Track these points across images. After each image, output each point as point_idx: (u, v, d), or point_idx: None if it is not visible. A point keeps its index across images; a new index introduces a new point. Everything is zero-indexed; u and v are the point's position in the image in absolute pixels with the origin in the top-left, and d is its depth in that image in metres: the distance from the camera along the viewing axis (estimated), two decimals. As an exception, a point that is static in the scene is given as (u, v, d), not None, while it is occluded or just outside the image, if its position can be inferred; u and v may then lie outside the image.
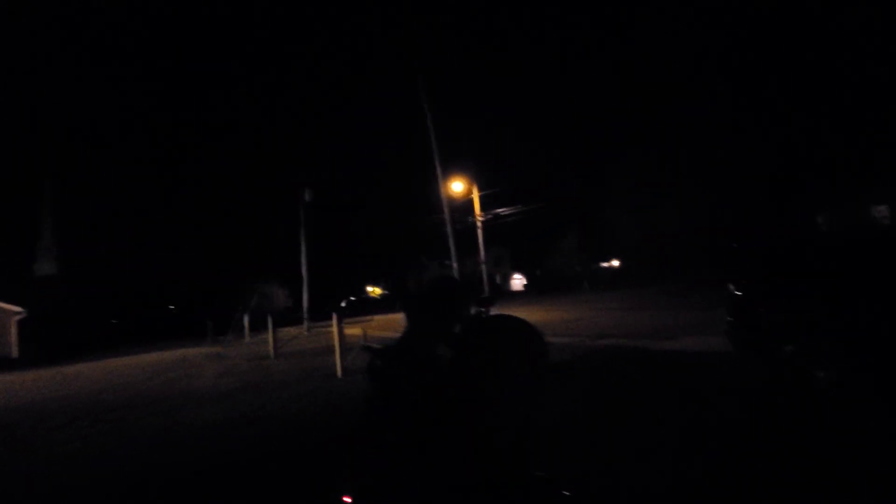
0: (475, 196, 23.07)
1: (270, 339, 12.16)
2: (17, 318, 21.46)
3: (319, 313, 25.13)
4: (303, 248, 23.82)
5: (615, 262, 39.93)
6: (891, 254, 3.90)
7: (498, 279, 46.88)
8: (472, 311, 1.79)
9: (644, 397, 4.50)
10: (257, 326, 22.01)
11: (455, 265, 14.45)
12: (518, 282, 50.75)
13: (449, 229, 14.93)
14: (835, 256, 4.27)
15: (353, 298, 49.07)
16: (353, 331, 12.37)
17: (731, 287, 4.84)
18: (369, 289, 56.81)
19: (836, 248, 4.41)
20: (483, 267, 21.09)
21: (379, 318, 23.64)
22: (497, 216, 24.75)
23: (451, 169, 19.01)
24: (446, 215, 15.13)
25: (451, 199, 17.91)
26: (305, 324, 22.66)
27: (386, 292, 53.49)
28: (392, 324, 18.51)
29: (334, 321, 8.23)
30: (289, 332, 20.36)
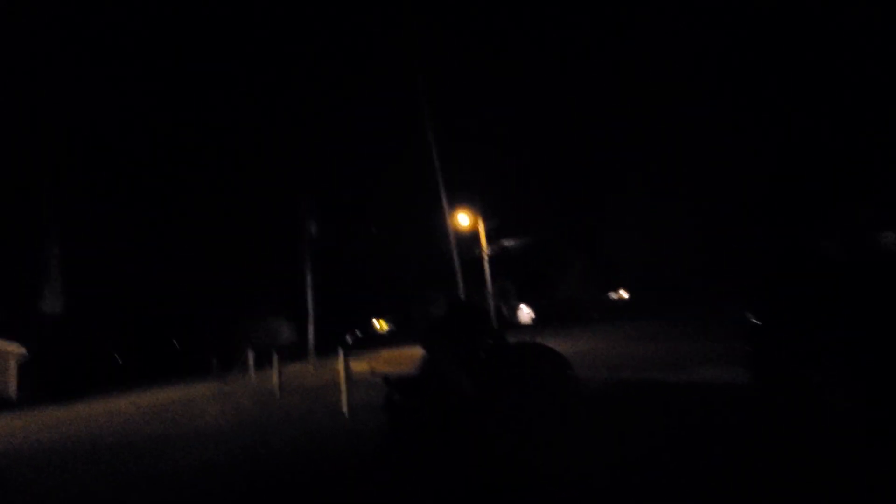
0: (481, 228, 23.14)
1: (275, 376, 11.94)
2: (18, 358, 21.28)
3: (325, 348, 24.85)
4: (308, 283, 23.82)
5: (623, 292, 39.51)
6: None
7: (505, 311, 46.44)
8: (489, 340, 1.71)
9: (661, 428, 4.30)
10: (262, 362, 21.74)
11: (462, 297, 14.32)
12: (525, 314, 50.23)
13: (456, 262, 14.89)
14: (857, 282, 4.15)
15: (358, 333, 48.67)
16: (359, 366, 12.15)
17: (749, 315, 4.70)
18: (375, 323, 56.40)
19: (858, 274, 4.29)
20: (490, 298, 20.92)
21: (386, 353, 23.31)
22: (504, 248, 24.76)
23: (455, 198, 19.17)
24: (453, 247, 15.12)
25: (457, 232, 17.95)
26: (311, 359, 22.37)
27: (392, 327, 53.06)
28: (400, 358, 18.21)
29: (340, 357, 8.07)
30: (294, 368, 20.11)
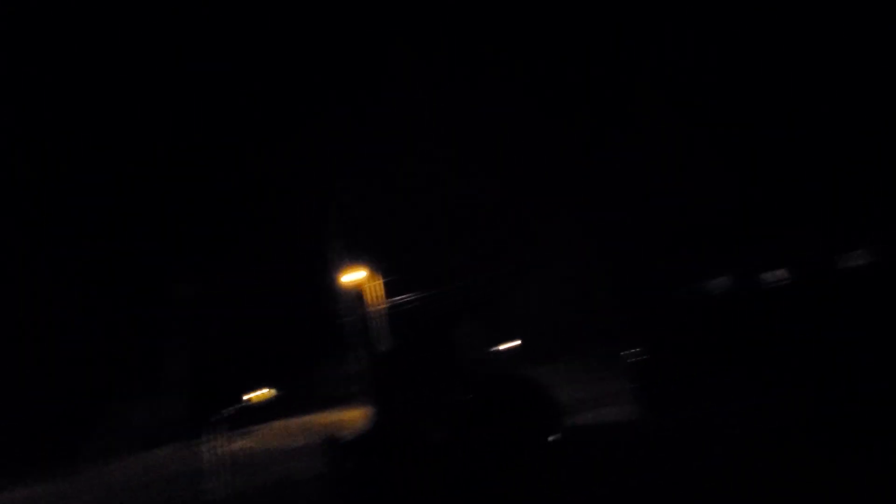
0: (369, 284, 22.61)
1: (129, 468, 9.98)
2: None
3: (197, 427, 21.59)
4: (173, 351, 21.07)
5: (515, 342, 40.51)
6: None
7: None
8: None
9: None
10: (118, 449, 18.19)
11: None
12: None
13: (350, 320, 14.28)
14: (742, 315, 4.62)
15: (243, 402, 43.35)
16: (244, 444, 10.71)
17: (629, 354, 4.93)
18: (257, 392, 50.93)
19: (742, 307, 4.80)
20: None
21: (278, 425, 20.77)
22: (393, 305, 24.30)
23: (345, 253, 18.61)
24: (342, 305, 14.53)
25: (347, 289, 17.35)
26: (177, 442, 19.31)
27: (280, 392, 48.45)
28: (293, 428, 16.31)
29: (215, 435, 7.01)
30: (154, 455, 16.98)
